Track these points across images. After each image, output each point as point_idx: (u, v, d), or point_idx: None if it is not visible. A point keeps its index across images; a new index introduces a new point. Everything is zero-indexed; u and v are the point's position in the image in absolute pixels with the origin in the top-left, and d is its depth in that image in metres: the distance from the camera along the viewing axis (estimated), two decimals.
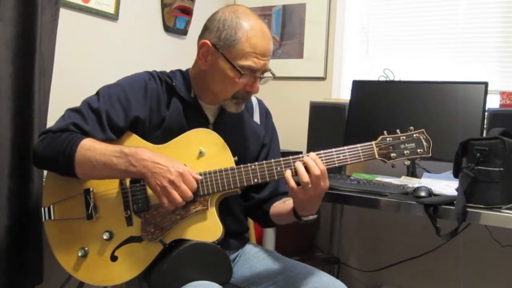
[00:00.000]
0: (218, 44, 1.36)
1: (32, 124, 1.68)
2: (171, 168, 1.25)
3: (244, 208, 1.59)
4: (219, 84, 1.40)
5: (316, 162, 1.26)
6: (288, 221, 1.45)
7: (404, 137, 1.33)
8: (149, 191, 1.33)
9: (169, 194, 1.25)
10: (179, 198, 1.26)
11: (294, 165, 1.29)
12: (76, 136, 1.32)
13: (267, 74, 1.42)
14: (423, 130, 1.34)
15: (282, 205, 1.46)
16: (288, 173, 1.28)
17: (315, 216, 1.34)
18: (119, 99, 1.38)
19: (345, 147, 1.30)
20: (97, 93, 1.40)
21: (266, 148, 1.58)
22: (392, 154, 1.32)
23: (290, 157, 1.32)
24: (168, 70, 1.51)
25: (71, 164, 1.30)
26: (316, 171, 1.25)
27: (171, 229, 1.32)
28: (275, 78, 1.44)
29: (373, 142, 1.32)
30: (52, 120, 1.45)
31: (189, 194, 1.27)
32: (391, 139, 1.33)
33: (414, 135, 1.33)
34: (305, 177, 1.25)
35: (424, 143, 1.33)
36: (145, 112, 1.40)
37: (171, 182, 1.25)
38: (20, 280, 1.68)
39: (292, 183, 1.27)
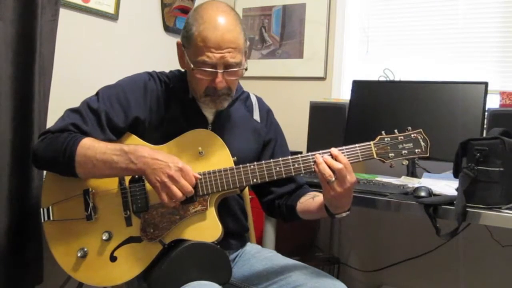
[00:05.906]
0: (183, 42, 1.38)
1: (32, 124, 1.68)
2: (170, 164, 1.25)
3: (244, 207, 1.59)
4: (191, 82, 1.41)
5: (338, 157, 1.26)
6: (318, 217, 1.44)
7: (402, 137, 1.33)
8: (149, 191, 1.33)
9: (169, 189, 1.25)
10: (178, 193, 1.25)
11: (313, 162, 1.28)
12: (76, 136, 1.31)
13: (242, 67, 1.34)
14: (421, 130, 1.34)
15: (311, 202, 1.44)
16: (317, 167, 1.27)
17: (347, 213, 1.33)
18: (118, 99, 1.38)
19: (344, 147, 1.30)
20: (97, 94, 1.41)
21: (271, 145, 1.57)
22: (390, 154, 1.32)
23: (289, 157, 1.32)
24: (167, 71, 1.51)
25: (72, 164, 1.30)
26: (337, 165, 1.24)
27: (171, 229, 1.32)
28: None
29: (371, 142, 1.32)
30: (52, 120, 1.46)
31: (189, 188, 1.26)
32: (389, 139, 1.33)
33: (412, 135, 1.33)
34: (327, 171, 1.24)
35: (422, 143, 1.32)
36: (145, 113, 1.40)
37: (171, 177, 1.25)
38: (20, 280, 1.68)
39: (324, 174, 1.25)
